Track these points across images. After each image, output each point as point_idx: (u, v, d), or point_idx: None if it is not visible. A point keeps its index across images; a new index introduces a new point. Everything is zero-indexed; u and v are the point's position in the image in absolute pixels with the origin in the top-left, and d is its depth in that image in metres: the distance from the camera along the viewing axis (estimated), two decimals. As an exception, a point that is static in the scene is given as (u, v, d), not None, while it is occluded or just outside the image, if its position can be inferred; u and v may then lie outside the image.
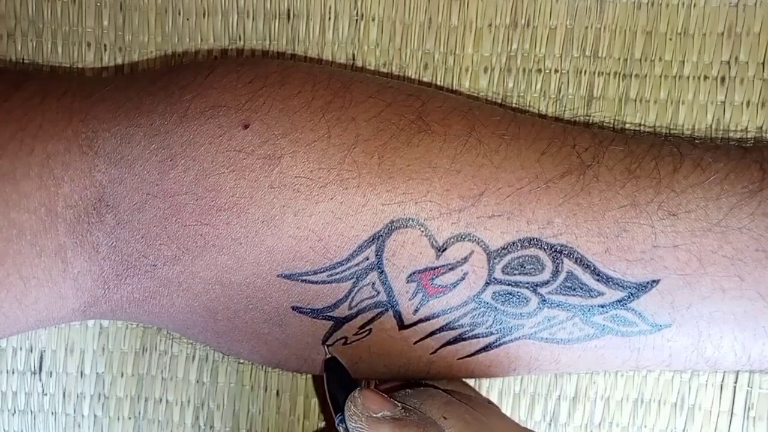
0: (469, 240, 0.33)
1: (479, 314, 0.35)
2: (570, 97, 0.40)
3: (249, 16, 0.41)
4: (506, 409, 0.41)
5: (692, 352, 0.35)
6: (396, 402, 0.33)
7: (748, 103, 0.40)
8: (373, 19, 0.40)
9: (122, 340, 0.42)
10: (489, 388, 0.41)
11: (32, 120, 0.34)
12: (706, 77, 0.40)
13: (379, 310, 0.35)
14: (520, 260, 0.34)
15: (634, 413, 0.41)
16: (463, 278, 0.34)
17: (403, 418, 0.32)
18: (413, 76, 0.40)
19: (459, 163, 0.34)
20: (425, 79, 0.40)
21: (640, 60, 0.40)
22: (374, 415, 0.32)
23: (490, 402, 0.38)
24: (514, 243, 0.33)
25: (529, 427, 0.38)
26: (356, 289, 0.34)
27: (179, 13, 0.41)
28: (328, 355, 0.36)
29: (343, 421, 0.34)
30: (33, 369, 0.42)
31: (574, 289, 0.34)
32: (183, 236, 0.34)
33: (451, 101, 0.36)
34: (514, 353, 0.36)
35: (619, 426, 0.41)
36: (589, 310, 0.34)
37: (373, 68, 0.40)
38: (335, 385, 0.35)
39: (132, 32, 0.41)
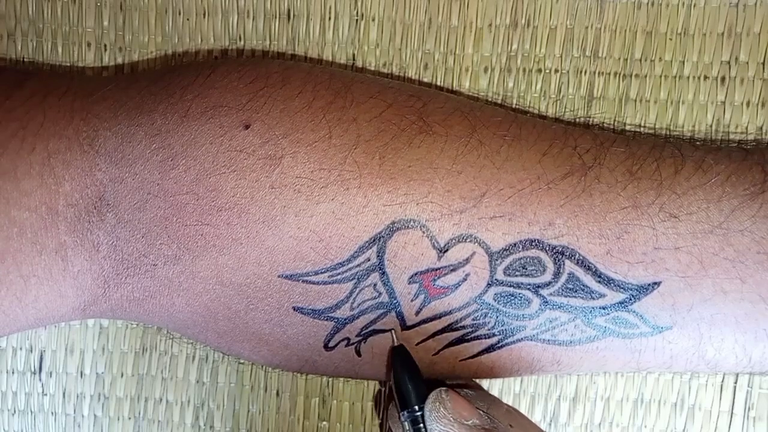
0: (471, 241, 0.33)
1: (481, 315, 0.35)
2: (570, 97, 0.40)
3: (249, 16, 0.40)
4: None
5: (693, 354, 0.35)
6: (480, 410, 0.33)
7: (748, 103, 0.40)
8: (373, 19, 0.40)
9: (122, 340, 0.42)
10: (489, 388, 0.41)
11: (33, 118, 0.34)
12: (706, 77, 0.40)
13: (381, 311, 0.35)
14: (522, 261, 0.34)
15: (634, 413, 0.41)
16: (464, 279, 0.34)
17: (492, 430, 0.32)
18: (413, 77, 0.40)
19: (460, 164, 0.34)
20: (425, 80, 0.40)
21: (640, 60, 0.40)
22: (466, 422, 0.32)
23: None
24: (515, 244, 0.33)
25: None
26: (357, 290, 0.34)
27: (179, 13, 0.41)
28: (396, 343, 0.35)
29: (411, 418, 0.33)
30: (33, 369, 0.42)
31: (576, 291, 0.34)
32: (183, 236, 0.34)
33: (453, 102, 0.36)
34: (516, 355, 0.36)
35: (619, 426, 0.41)
36: (590, 312, 0.34)
37: (373, 68, 0.40)
38: (404, 377, 0.34)
39: (132, 32, 0.41)
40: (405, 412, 0.34)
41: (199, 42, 0.41)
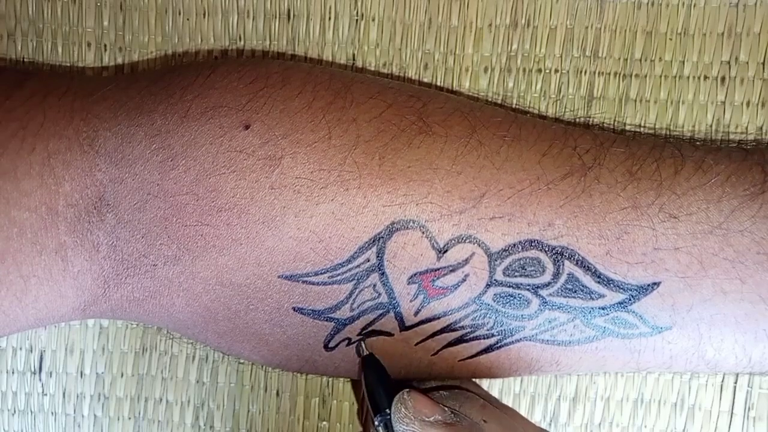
0: (470, 242, 0.33)
1: (480, 316, 0.35)
2: (570, 97, 0.40)
3: (249, 16, 0.40)
4: (506, 409, 0.41)
5: (693, 355, 0.35)
6: (444, 406, 0.33)
7: (748, 103, 0.40)
8: (373, 19, 0.40)
9: (122, 340, 0.42)
10: (489, 388, 0.41)
11: (33, 118, 0.34)
12: (706, 77, 0.40)
13: (381, 311, 0.35)
14: (521, 262, 0.34)
15: (634, 413, 0.41)
16: (464, 280, 0.34)
17: (455, 423, 0.32)
18: (413, 77, 0.40)
19: (460, 165, 0.34)
20: (425, 80, 0.40)
21: (640, 60, 0.40)
22: (427, 419, 0.32)
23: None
24: (515, 245, 0.33)
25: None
26: (357, 290, 0.34)
27: (179, 13, 0.41)
28: (366, 352, 0.36)
29: (384, 422, 0.33)
30: (33, 369, 0.42)
31: (575, 291, 0.34)
32: (183, 236, 0.34)
33: (453, 102, 0.36)
34: (515, 355, 0.36)
35: (619, 426, 0.41)
36: (589, 312, 0.34)
37: (373, 68, 0.40)
38: (374, 383, 0.35)
39: (132, 32, 0.41)
40: (378, 417, 0.34)
41: (199, 42, 0.41)
